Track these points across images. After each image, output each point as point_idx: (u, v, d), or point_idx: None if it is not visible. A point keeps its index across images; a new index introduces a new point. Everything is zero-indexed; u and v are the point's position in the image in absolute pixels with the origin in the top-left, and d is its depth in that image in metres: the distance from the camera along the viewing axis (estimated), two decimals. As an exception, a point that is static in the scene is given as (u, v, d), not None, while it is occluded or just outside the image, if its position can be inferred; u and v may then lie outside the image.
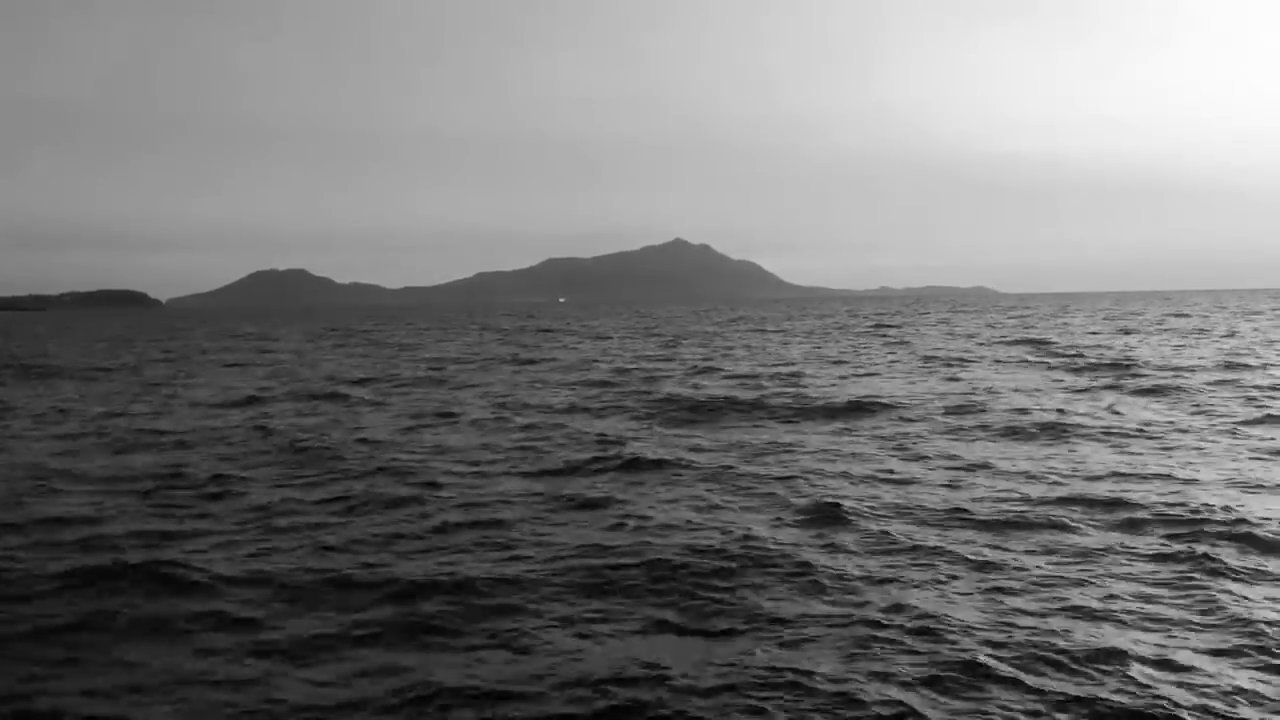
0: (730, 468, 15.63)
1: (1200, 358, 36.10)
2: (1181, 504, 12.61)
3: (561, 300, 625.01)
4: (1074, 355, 38.52)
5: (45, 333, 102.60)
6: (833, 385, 28.55)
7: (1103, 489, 13.70)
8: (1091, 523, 11.93)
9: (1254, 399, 23.54)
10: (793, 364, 37.26)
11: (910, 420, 21.06)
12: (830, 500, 12.95)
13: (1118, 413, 21.46)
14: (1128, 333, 57.45)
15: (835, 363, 37.67)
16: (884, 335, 59.95)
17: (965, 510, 12.57)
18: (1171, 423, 19.95)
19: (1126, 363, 34.16)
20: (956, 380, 29.78)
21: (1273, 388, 25.86)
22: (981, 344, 48.80)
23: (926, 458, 16.61)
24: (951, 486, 14.15)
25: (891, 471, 15.26)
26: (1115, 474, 14.80)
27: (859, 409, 22.65)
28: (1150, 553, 10.57)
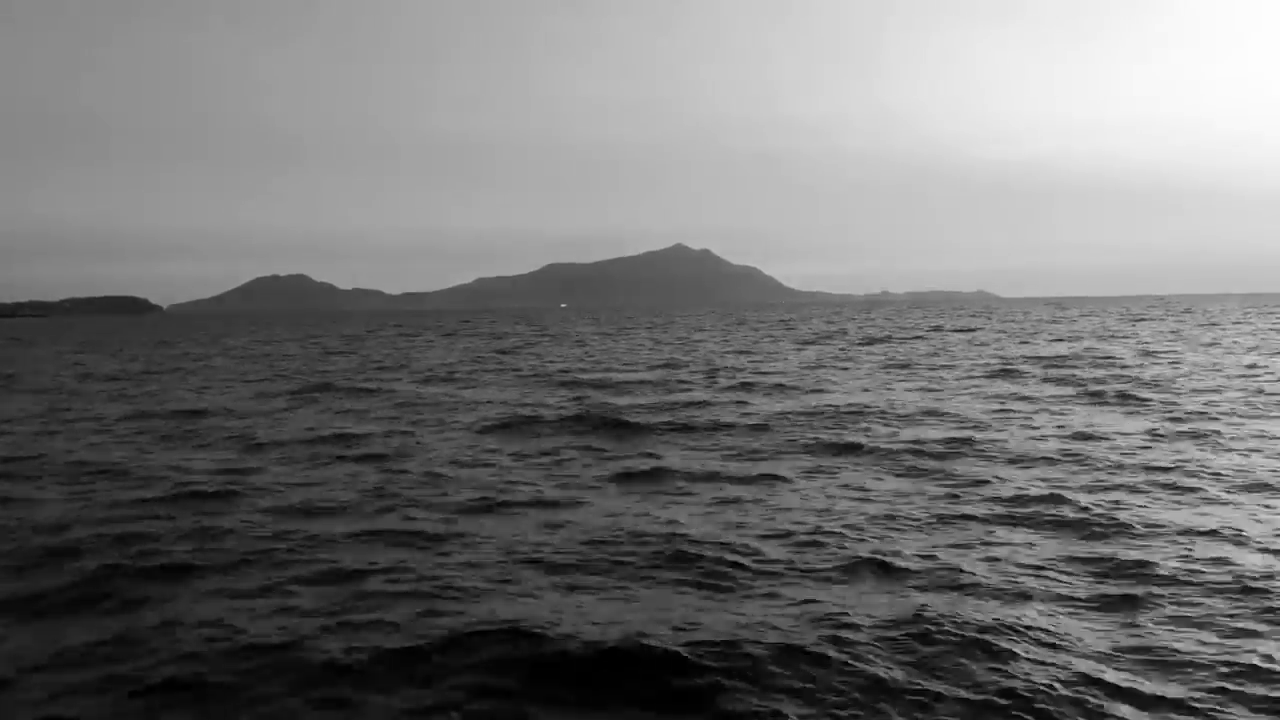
0: (569, 523, 12.68)
1: (1177, 366, 34.56)
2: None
3: (563, 306, 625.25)
4: (1034, 360, 37.04)
5: (22, 339, 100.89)
6: (785, 403, 26.61)
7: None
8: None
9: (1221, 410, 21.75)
10: (769, 375, 35.48)
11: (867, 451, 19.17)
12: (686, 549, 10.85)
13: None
14: (1109, 338, 55.84)
15: (815, 369, 35.94)
16: (872, 344, 58.21)
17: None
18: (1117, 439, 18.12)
19: (1096, 373, 32.57)
20: (924, 392, 28.02)
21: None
22: (957, 352, 47.10)
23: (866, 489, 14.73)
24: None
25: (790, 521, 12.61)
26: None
27: (785, 425, 20.76)
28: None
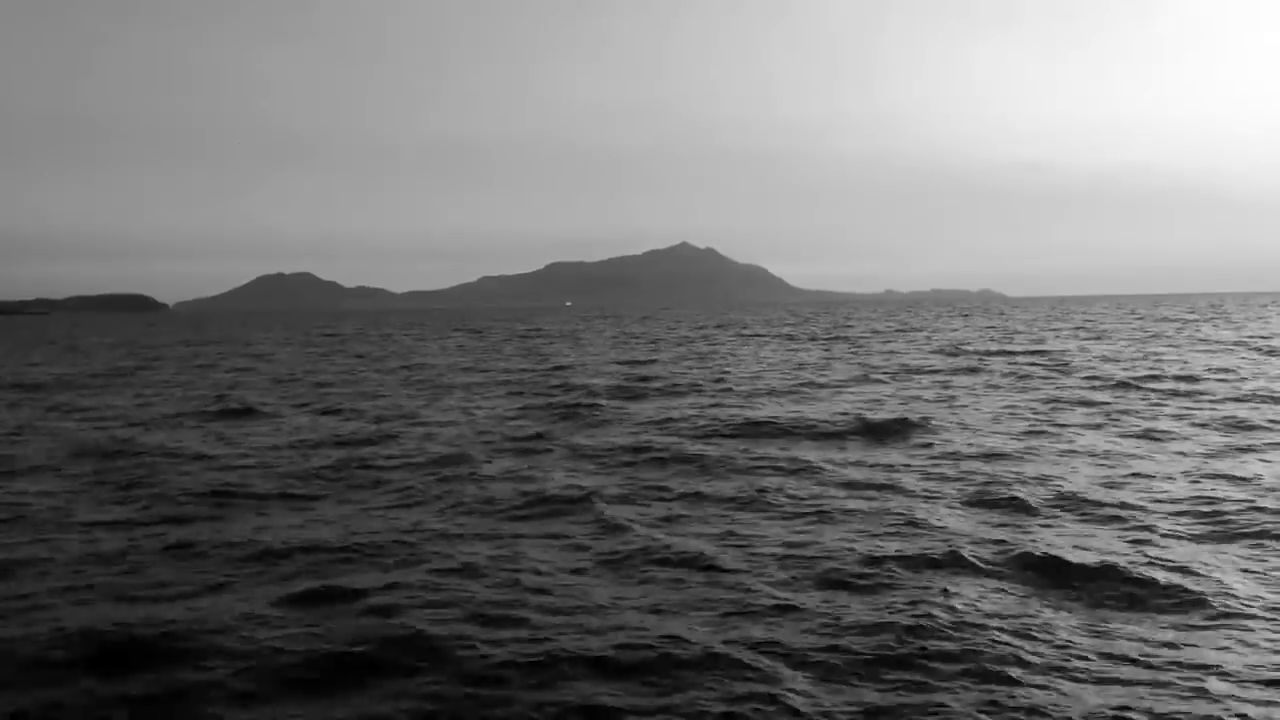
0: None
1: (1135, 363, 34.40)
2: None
3: (568, 304, 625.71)
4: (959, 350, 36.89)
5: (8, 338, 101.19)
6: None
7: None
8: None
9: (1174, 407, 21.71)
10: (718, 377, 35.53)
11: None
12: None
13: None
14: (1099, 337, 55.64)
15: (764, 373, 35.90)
16: (848, 343, 58.16)
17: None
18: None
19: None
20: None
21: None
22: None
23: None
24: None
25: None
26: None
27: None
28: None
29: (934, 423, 21.00)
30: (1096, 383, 29.62)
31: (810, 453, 17.73)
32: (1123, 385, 28.30)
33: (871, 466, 16.22)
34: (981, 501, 13.41)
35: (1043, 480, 14.67)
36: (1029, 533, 11.71)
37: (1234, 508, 12.58)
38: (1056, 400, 25.19)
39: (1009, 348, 48.56)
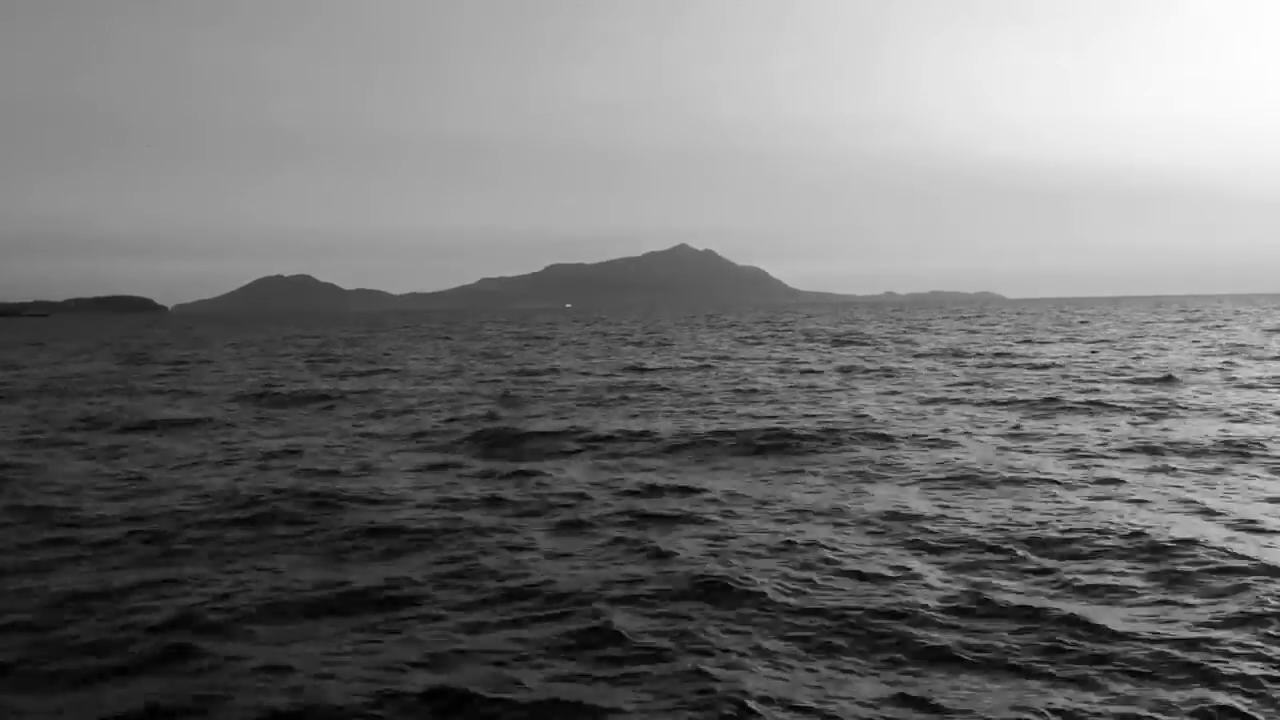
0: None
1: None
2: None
3: (568, 306, 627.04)
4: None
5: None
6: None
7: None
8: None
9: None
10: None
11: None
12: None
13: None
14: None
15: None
16: (839, 343, 57.64)
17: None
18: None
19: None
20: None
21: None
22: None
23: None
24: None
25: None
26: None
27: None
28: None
29: (912, 432, 20.50)
30: (1082, 384, 29.26)
31: (754, 469, 17.25)
32: (1104, 392, 27.80)
33: (824, 488, 15.68)
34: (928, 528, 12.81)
35: (993, 504, 14.11)
36: (966, 567, 11.12)
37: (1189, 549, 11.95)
38: (1035, 407, 24.67)
39: (999, 352, 48.09)
